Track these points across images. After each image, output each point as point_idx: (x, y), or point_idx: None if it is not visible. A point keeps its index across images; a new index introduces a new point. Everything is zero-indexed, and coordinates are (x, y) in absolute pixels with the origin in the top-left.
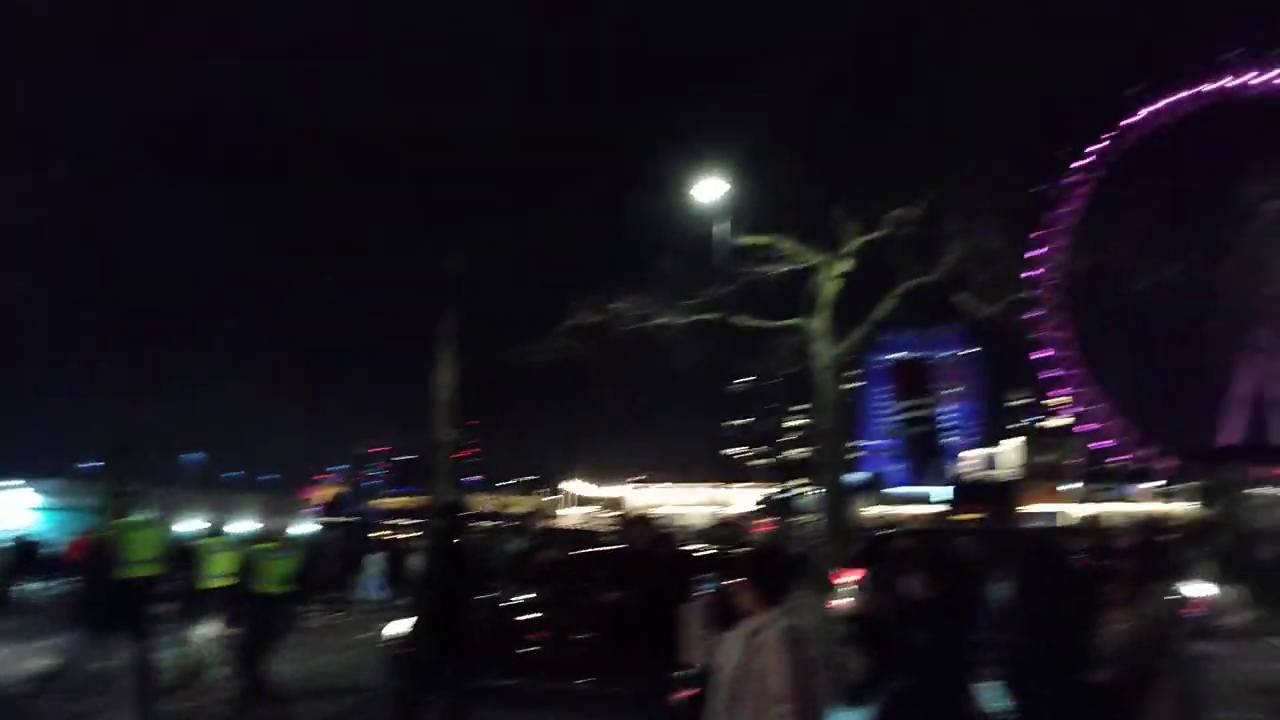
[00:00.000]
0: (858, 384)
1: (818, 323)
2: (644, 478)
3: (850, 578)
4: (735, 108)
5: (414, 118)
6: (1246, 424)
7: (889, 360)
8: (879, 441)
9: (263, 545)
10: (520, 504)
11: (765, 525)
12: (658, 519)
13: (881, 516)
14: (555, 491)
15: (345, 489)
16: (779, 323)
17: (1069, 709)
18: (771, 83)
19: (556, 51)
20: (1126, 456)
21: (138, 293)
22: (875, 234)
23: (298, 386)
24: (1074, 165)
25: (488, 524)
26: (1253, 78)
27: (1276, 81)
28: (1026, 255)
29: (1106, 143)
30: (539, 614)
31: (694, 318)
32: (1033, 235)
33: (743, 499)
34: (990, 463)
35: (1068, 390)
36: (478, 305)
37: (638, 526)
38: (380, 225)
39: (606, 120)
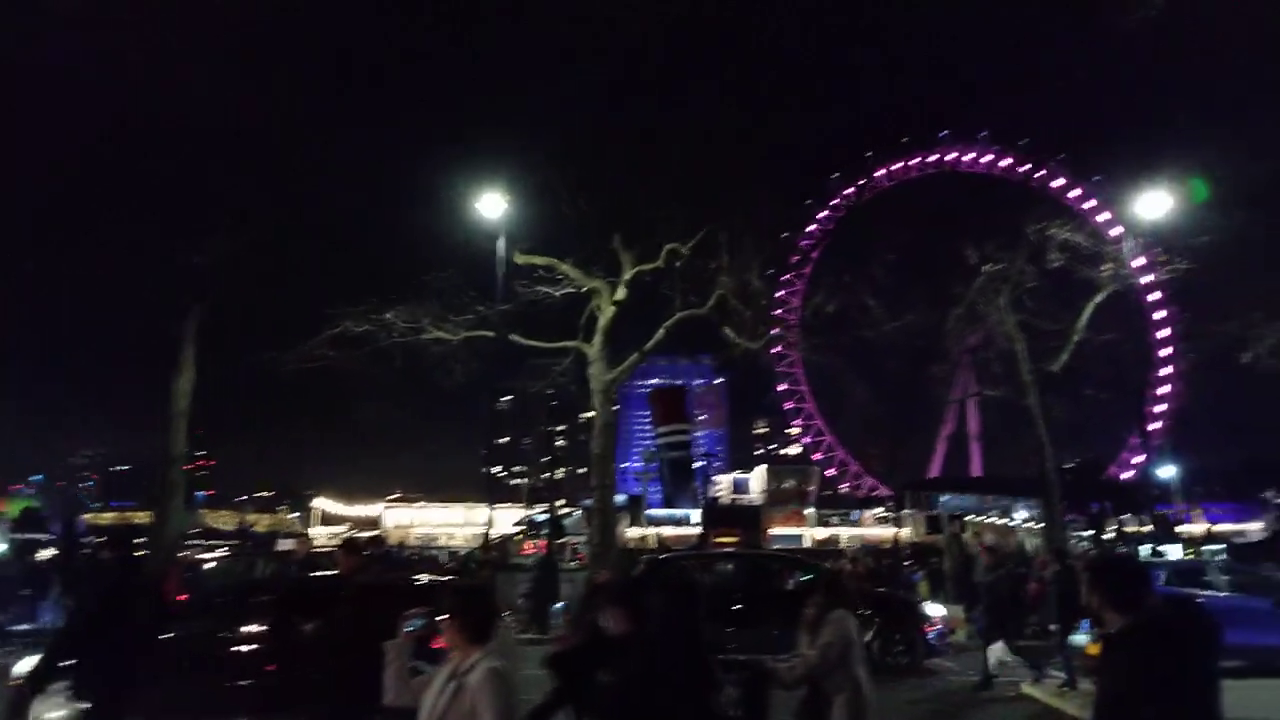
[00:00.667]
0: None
1: (594, 347)
2: (397, 496)
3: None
4: (519, 129)
5: (166, 106)
6: (947, 457)
7: (648, 386)
8: (633, 464)
9: None
10: (259, 521)
11: (534, 547)
12: (372, 544)
13: (647, 538)
14: (300, 508)
15: (36, 503)
16: (555, 344)
17: None
18: (558, 108)
19: (334, 48)
20: (847, 485)
21: None
22: (649, 265)
23: None
24: (817, 216)
25: (225, 545)
26: (963, 155)
27: (981, 160)
28: (776, 295)
29: (842, 197)
30: (237, 647)
31: (468, 333)
32: (781, 278)
33: (502, 519)
34: (738, 487)
35: (800, 421)
36: (223, 306)
37: (347, 552)
38: (111, 217)
39: (384, 123)
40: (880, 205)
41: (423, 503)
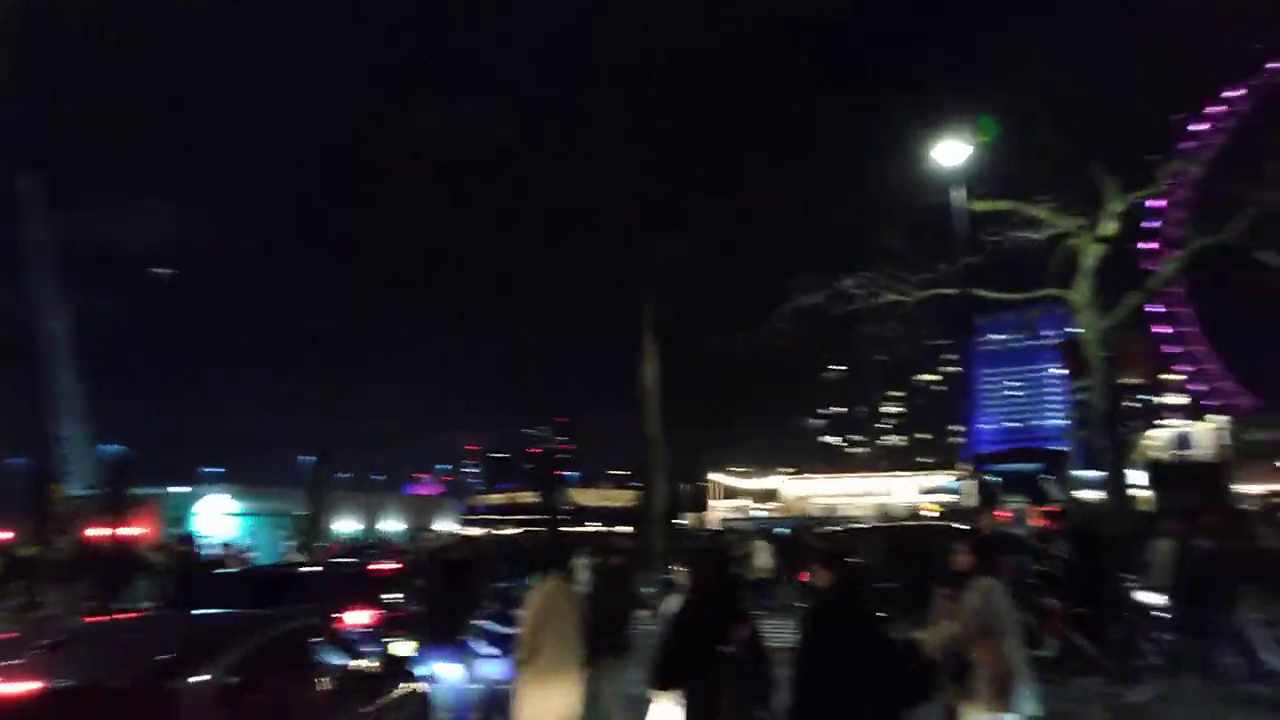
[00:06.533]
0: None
1: (1081, 292)
2: (794, 469)
3: None
4: (971, 69)
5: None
6: None
7: (988, 345)
8: (982, 425)
9: None
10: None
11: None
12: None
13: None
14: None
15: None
16: (1029, 294)
17: None
18: (1012, 36)
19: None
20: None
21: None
22: (1146, 191)
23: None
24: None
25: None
26: None
27: None
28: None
29: None
30: None
31: (922, 293)
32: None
33: (901, 488)
34: (1181, 442)
35: (1186, 367)
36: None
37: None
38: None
39: (814, 92)
40: None
41: (814, 474)
